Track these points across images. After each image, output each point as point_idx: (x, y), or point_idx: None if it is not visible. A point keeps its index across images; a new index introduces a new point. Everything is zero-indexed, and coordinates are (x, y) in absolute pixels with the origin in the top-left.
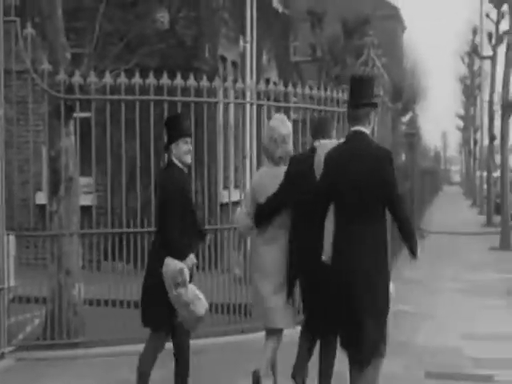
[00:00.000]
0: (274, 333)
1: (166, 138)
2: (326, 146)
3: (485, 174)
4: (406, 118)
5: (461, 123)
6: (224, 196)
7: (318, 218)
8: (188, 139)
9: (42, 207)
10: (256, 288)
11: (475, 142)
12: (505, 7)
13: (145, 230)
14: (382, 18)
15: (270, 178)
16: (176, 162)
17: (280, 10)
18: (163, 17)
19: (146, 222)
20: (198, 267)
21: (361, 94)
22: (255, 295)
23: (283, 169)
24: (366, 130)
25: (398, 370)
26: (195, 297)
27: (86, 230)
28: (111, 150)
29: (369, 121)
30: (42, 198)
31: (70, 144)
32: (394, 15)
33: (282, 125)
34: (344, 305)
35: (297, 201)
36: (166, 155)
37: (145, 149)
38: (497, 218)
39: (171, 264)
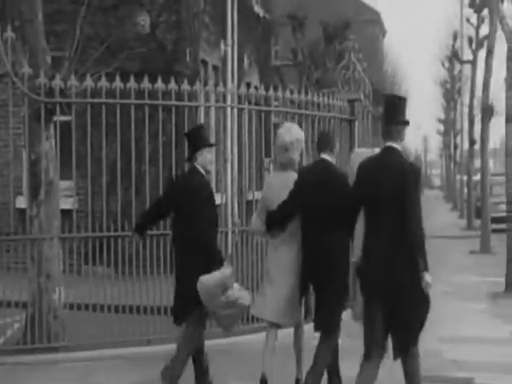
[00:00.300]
0: (274, 329)
1: (188, 148)
2: (361, 154)
3: (465, 177)
4: None
5: (441, 127)
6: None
7: (348, 222)
8: (210, 148)
9: (22, 211)
10: (264, 288)
11: (455, 146)
12: (485, 12)
13: (125, 234)
14: (362, 22)
15: (278, 186)
16: (200, 169)
17: (261, 14)
18: (144, 20)
19: (127, 225)
20: None
21: (394, 113)
22: (261, 293)
23: (291, 175)
24: (398, 145)
25: (380, 374)
26: (239, 291)
27: (66, 234)
28: (92, 153)
29: (400, 137)
30: (22, 202)
31: (50, 147)
32: (375, 20)
33: (287, 133)
34: (380, 299)
35: (305, 210)
36: (188, 163)
37: (125, 152)
38: (477, 222)
39: (215, 274)
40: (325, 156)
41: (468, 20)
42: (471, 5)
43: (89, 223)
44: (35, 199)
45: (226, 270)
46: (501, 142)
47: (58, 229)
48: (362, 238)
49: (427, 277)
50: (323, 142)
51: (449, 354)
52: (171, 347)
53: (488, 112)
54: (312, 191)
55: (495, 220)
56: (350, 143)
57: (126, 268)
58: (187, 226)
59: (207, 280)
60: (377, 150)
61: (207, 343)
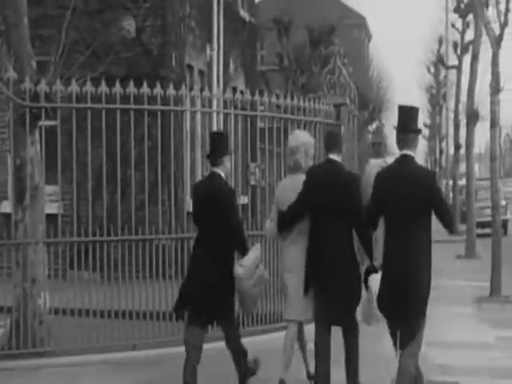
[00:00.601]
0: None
1: (211, 153)
2: (375, 164)
3: (450, 182)
4: (372, 127)
5: (426, 132)
6: (191, 204)
7: (368, 226)
8: (230, 156)
9: (7, 216)
10: (283, 285)
11: (441, 151)
12: (470, 17)
13: (111, 239)
14: (348, 26)
15: (289, 188)
16: (222, 174)
17: (247, 18)
18: (130, 25)
19: (113, 230)
20: (163, 275)
21: (409, 122)
22: (284, 291)
23: (300, 177)
24: (412, 153)
25: (365, 379)
26: (260, 265)
27: (51, 239)
28: (77, 158)
29: (414, 145)
30: (7, 206)
31: (35, 152)
32: (361, 24)
33: (294, 138)
34: (396, 294)
35: (314, 210)
36: (209, 168)
37: (111, 157)
38: (463, 227)
39: (249, 256)
40: (333, 156)
41: (453, 25)
42: (456, 10)
43: (74, 228)
44: (20, 204)
45: (255, 247)
46: (486, 147)
47: (43, 233)
48: (382, 244)
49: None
50: (331, 142)
51: (435, 359)
52: (157, 352)
53: (473, 117)
54: (321, 191)
55: (480, 225)
56: None
57: (112, 273)
58: (223, 224)
59: (246, 261)
60: (389, 160)
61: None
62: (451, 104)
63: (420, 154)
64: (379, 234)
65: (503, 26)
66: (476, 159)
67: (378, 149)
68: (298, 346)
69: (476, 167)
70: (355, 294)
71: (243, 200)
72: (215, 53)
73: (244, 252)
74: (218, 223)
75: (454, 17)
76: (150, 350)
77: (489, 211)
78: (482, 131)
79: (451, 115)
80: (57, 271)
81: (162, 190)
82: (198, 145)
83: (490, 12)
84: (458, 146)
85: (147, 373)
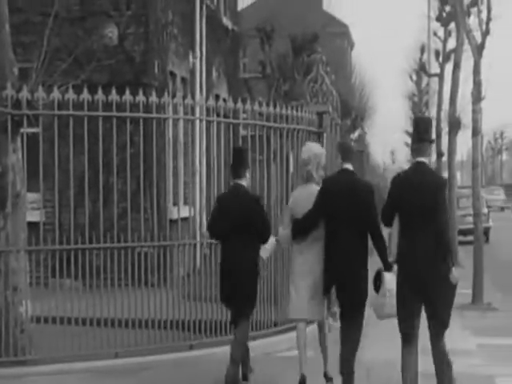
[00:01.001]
0: (302, 326)
1: (236, 167)
2: (392, 170)
3: None
4: (354, 135)
5: (409, 140)
6: (173, 212)
7: (384, 223)
8: (250, 169)
9: None
10: (292, 288)
11: None
12: (452, 25)
13: (93, 247)
14: (330, 35)
15: (302, 197)
16: (246, 186)
17: (229, 26)
18: (112, 32)
19: (95, 238)
20: (146, 283)
21: (424, 132)
22: (291, 293)
23: (313, 187)
24: (426, 160)
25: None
26: None
27: (33, 247)
28: (59, 165)
29: (428, 153)
30: None
31: (17, 160)
32: (343, 32)
33: (305, 150)
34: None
35: (330, 217)
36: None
37: (93, 164)
38: None
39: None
40: (347, 166)
41: (435, 33)
42: (438, 18)
43: (56, 236)
44: (2, 211)
45: (272, 239)
46: (468, 155)
47: (24, 241)
48: (396, 241)
49: (454, 271)
50: (345, 152)
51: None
52: (139, 360)
53: (455, 125)
54: (336, 200)
55: (462, 232)
56: None
57: (94, 281)
58: (256, 230)
59: (267, 251)
60: (404, 166)
61: (167, 356)
62: (433, 112)
63: (402, 161)
64: (394, 231)
65: (485, 34)
66: (458, 167)
67: (361, 156)
68: (321, 348)
69: (458, 175)
70: (363, 293)
71: None
72: (198, 60)
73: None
74: (248, 231)
75: (436, 25)
76: (132, 358)
77: (471, 219)
78: (464, 139)
79: (433, 123)
80: (38, 279)
81: (145, 198)
82: (180, 152)
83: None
84: (440, 154)
85: (129, 381)
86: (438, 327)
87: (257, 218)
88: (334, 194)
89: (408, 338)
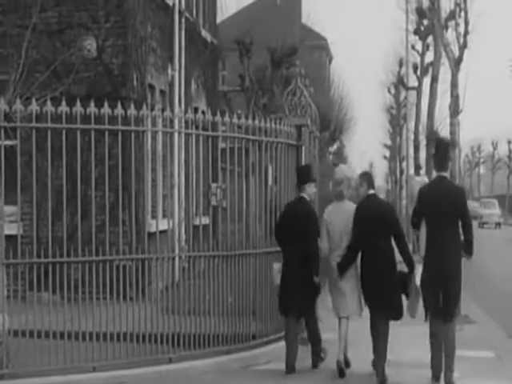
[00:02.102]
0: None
1: (298, 180)
2: (417, 181)
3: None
4: (333, 148)
5: (387, 152)
6: (152, 225)
7: (413, 226)
8: (314, 183)
9: None
10: (335, 290)
11: (401, 172)
12: (430, 39)
13: (71, 260)
14: (309, 48)
15: (336, 213)
16: (307, 197)
17: (208, 39)
18: (90, 45)
19: (73, 251)
20: (124, 296)
21: (446, 153)
22: (337, 294)
23: (347, 203)
24: (446, 174)
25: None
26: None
27: (11, 260)
28: (37, 178)
29: (447, 169)
30: None
31: None
32: (322, 45)
33: (338, 172)
34: (437, 285)
35: (362, 235)
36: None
37: (72, 177)
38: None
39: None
40: (373, 191)
41: (413, 47)
42: (416, 32)
43: (34, 249)
44: None
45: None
46: None
47: (1, 255)
48: (424, 241)
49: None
50: (371, 180)
51: (392, 378)
52: (117, 374)
53: (433, 138)
54: (368, 222)
55: None
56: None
57: (72, 294)
58: (307, 241)
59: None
60: (426, 179)
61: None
62: (411, 125)
63: (380, 174)
64: (422, 234)
65: (462, 47)
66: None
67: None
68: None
69: None
70: (396, 292)
71: (204, 220)
72: (177, 73)
73: (316, 271)
74: (300, 243)
75: (415, 39)
76: (110, 372)
77: None
78: None
79: (411, 136)
80: (16, 292)
81: (123, 211)
82: (159, 165)
83: (450, 34)
84: (418, 167)
85: None
86: (452, 310)
87: (306, 229)
88: (365, 217)
89: (436, 316)
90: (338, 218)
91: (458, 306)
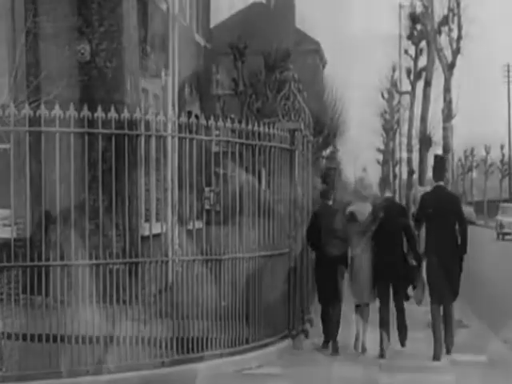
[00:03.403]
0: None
1: (324, 187)
2: (420, 190)
3: None
4: (326, 153)
5: (380, 157)
6: (145, 229)
7: (416, 229)
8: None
9: None
10: (357, 280)
11: (394, 176)
12: (423, 44)
13: (64, 263)
14: (303, 52)
15: (360, 211)
16: (330, 203)
17: (202, 43)
18: (84, 48)
19: (66, 255)
20: (118, 300)
21: (443, 166)
22: (356, 284)
23: (367, 205)
24: (443, 183)
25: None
26: None
27: (4, 263)
28: (31, 182)
29: (444, 178)
30: None
31: None
32: (316, 50)
33: (363, 181)
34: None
35: (380, 234)
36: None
37: (66, 181)
38: None
39: None
40: (389, 194)
41: (406, 52)
42: (409, 37)
43: (27, 252)
44: None
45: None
46: None
47: None
48: (424, 239)
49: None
50: (387, 183)
51: (385, 382)
52: (110, 377)
53: (426, 142)
54: (385, 222)
55: None
56: (291, 173)
57: (65, 297)
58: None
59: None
60: (427, 188)
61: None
62: (404, 129)
63: (374, 178)
64: (422, 233)
65: (455, 52)
66: (429, 184)
67: (333, 173)
68: (362, 322)
69: None
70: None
71: (197, 225)
72: (170, 77)
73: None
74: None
75: (408, 44)
76: (103, 376)
77: None
78: None
79: (404, 140)
80: (9, 296)
81: (117, 214)
82: (152, 169)
83: (443, 39)
84: (411, 171)
85: None
86: (453, 294)
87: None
88: (387, 217)
89: (437, 300)
90: (360, 216)
91: (459, 286)
